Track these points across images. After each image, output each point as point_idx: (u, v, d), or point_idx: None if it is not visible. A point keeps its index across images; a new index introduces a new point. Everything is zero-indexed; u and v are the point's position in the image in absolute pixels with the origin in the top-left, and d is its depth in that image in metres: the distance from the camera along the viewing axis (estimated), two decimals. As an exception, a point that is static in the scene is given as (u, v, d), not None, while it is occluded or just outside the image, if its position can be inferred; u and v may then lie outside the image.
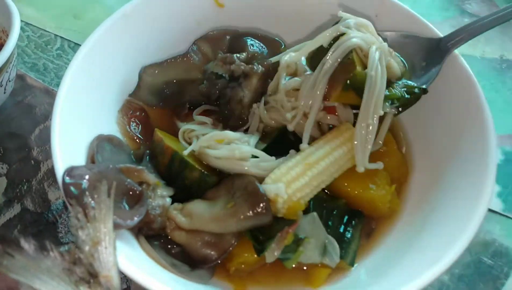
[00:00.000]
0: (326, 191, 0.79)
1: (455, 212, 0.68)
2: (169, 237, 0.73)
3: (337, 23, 0.82)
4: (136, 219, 0.65)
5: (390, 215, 0.81)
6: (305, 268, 0.74)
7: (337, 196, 0.79)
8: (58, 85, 1.08)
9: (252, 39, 0.95)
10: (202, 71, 0.93)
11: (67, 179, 0.62)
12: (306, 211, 0.73)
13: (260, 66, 0.86)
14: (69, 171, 0.64)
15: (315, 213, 0.73)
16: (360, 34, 0.78)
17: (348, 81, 0.75)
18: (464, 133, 0.78)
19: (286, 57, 0.83)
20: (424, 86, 0.80)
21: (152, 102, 0.92)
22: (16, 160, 1.00)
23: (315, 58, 0.81)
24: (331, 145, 0.75)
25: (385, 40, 0.83)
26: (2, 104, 1.04)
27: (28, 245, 0.49)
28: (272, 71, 0.87)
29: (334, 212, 0.76)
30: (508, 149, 1.05)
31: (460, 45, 0.85)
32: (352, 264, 0.74)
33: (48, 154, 1.01)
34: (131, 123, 0.89)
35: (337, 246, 0.71)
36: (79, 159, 0.73)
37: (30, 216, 0.93)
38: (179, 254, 0.72)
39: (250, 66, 0.86)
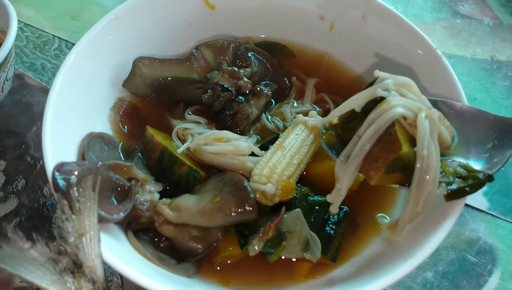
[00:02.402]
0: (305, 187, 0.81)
1: (432, 212, 0.69)
2: (158, 231, 0.76)
3: (372, 83, 0.69)
4: (122, 214, 0.68)
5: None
6: (293, 260, 0.76)
7: (313, 182, 0.81)
8: (55, 84, 1.12)
9: (256, 54, 0.98)
10: (203, 77, 0.96)
11: (57, 174, 0.64)
12: (290, 208, 0.76)
13: (268, 89, 0.93)
14: (59, 167, 0.67)
15: (299, 209, 0.75)
16: (403, 100, 0.64)
17: (391, 162, 0.62)
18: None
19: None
20: (490, 172, 0.65)
21: (144, 94, 0.94)
22: (13, 157, 1.03)
23: (347, 124, 0.70)
24: (296, 131, 0.83)
25: (439, 108, 0.69)
26: (0, 103, 1.06)
27: (15, 236, 0.52)
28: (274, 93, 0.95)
29: (317, 208, 0.77)
30: (495, 149, 1.07)
31: None
32: (334, 259, 0.75)
33: (44, 151, 1.03)
34: (123, 120, 0.91)
35: (318, 241, 0.73)
36: (71, 156, 0.76)
37: (25, 211, 0.95)
38: (166, 248, 0.75)
39: (259, 87, 0.92)
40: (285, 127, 0.89)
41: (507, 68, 1.23)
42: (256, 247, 0.70)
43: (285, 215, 0.73)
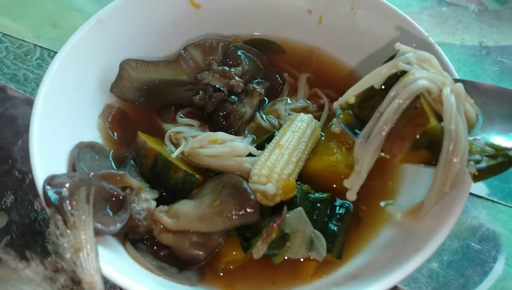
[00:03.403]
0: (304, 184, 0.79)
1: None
2: (157, 239, 0.73)
3: (391, 58, 0.66)
4: (119, 225, 0.65)
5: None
6: (297, 260, 0.74)
7: (312, 179, 0.80)
8: (39, 95, 1.08)
9: (246, 52, 0.96)
10: (193, 78, 0.93)
11: (48, 188, 0.61)
12: (292, 207, 0.74)
13: (261, 87, 0.91)
14: (50, 180, 0.64)
15: (301, 208, 0.73)
16: (425, 73, 0.61)
17: (418, 137, 0.58)
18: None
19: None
20: None
21: (133, 98, 0.91)
22: (0, 172, 0.99)
23: (365, 103, 0.66)
24: (292, 128, 0.81)
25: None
26: (-17, 117, 1.03)
27: (7, 256, 0.49)
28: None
29: (319, 205, 0.76)
30: (491, 134, 1.06)
31: None
32: (339, 257, 0.74)
33: (32, 165, 1.00)
34: (112, 127, 0.88)
35: (323, 240, 0.71)
36: (60, 167, 0.72)
37: (16, 227, 0.92)
38: (167, 257, 0.72)
39: (252, 85, 0.90)
40: (280, 125, 0.87)
41: (495, 53, 1.23)
42: (260, 250, 0.67)
43: (287, 215, 0.71)
